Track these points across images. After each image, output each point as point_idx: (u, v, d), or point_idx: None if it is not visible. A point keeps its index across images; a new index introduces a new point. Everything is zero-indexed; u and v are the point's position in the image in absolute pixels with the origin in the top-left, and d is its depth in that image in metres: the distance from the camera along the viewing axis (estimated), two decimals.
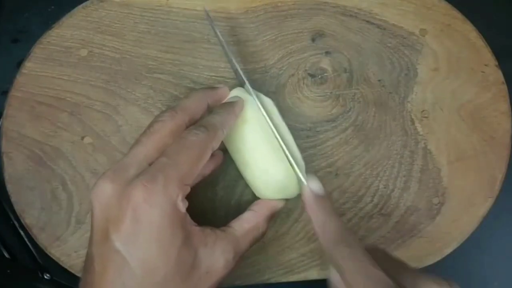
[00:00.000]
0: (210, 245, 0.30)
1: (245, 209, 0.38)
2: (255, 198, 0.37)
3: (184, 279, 0.29)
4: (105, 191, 0.29)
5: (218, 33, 0.36)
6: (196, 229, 0.30)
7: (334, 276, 0.30)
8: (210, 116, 0.33)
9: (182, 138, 0.31)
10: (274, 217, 0.36)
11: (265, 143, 0.35)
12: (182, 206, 0.29)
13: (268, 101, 0.37)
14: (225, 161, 0.39)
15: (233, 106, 0.34)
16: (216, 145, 0.32)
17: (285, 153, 0.34)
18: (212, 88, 0.36)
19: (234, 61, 0.36)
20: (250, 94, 0.36)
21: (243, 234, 0.33)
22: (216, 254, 0.31)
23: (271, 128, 0.34)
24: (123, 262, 0.27)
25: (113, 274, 0.27)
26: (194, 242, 0.30)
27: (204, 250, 0.30)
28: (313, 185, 0.33)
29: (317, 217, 0.31)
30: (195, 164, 0.30)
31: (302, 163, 0.36)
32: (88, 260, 0.29)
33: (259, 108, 0.35)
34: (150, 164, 0.30)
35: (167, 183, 0.28)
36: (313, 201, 0.32)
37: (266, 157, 0.35)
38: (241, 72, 0.36)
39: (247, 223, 0.34)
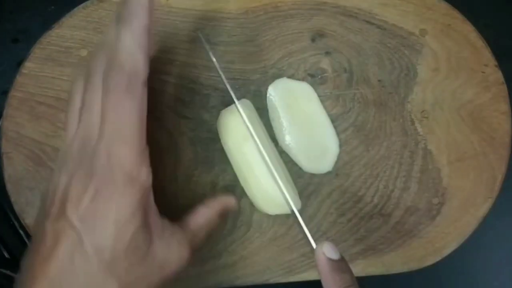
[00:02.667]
0: (166, 237, 0.30)
1: (244, 210, 0.38)
2: None
3: (133, 265, 0.28)
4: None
5: (212, 56, 0.37)
6: (156, 219, 0.30)
7: None
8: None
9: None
10: (227, 214, 0.36)
11: (264, 161, 0.36)
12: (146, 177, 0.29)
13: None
14: (225, 161, 0.39)
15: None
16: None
17: (278, 184, 0.35)
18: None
19: (225, 81, 0.37)
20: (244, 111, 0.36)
21: (198, 229, 0.33)
22: (172, 248, 0.30)
23: (263, 154, 0.35)
24: (76, 238, 0.27)
25: (64, 249, 0.27)
26: (152, 230, 0.29)
27: (160, 242, 0.30)
28: (327, 249, 0.30)
29: None
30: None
31: (294, 188, 0.38)
32: (38, 236, 0.28)
33: (260, 127, 0.36)
34: None
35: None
36: (329, 270, 0.29)
37: (265, 175, 0.36)
38: (233, 95, 0.37)
39: (201, 218, 0.34)
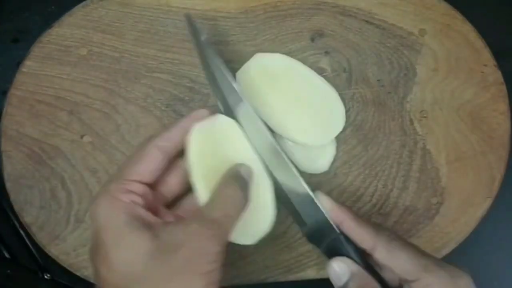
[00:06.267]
0: (187, 239, 0.29)
1: None
2: None
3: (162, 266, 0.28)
4: None
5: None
6: (159, 222, 0.31)
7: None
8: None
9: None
10: (246, 183, 0.33)
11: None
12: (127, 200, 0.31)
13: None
14: None
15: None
16: None
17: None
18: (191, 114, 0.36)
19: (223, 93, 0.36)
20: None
21: (223, 217, 0.31)
22: (199, 245, 0.29)
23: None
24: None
25: None
26: (162, 239, 0.29)
27: (187, 246, 0.28)
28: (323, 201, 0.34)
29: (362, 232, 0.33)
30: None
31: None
32: None
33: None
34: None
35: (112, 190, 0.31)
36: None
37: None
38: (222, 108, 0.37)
39: (222, 201, 0.32)
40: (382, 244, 0.32)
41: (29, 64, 0.40)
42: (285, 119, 0.38)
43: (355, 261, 0.32)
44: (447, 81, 0.41)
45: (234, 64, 0.40)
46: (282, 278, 0.39)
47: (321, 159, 0.40)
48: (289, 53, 0.41)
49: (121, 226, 0.29)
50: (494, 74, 0.41)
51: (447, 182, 0.40)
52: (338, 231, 0.33)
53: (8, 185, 0.39)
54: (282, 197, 0.35)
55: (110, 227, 0.30)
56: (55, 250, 0.39)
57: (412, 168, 0.40)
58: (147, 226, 0.30)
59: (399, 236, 0.33)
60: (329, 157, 0.40)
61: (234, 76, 0.39)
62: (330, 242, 0.34)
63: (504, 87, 0.41)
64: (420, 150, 0.41)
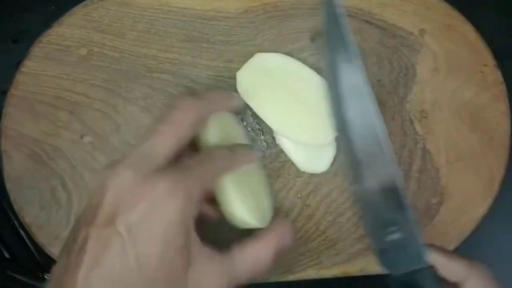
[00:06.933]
0: (204, 264, 0.29)
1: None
2: None
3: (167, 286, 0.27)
4: (125, 177, 0.28)
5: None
6: (197, 243, 0.29)
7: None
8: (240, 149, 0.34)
9: (212, 151, 0.32)
10: (281, 252, 0.32)
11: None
12: (195, 214, 0.29)
13: None
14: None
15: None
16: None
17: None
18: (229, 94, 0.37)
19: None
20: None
21: (242, 261, 0.30)
22: (207, 277, 0.29)
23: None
24: (121, 248, 0.26)
25: (106, 257, 0.26)
26: (192, 255, 0.28)
27: (195, 268, 0.28)
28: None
29: None
30: (215, 180, 0.31)
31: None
32: (78, 241, 0.27)
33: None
34: (171, 156, 0.30)
35: (191, 187, 0.28)
36: None
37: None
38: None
39: (250, 249, 0.31)
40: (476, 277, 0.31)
41: (29, 64, 0.40)
42: (285, 119, 0.39)
43: None
44: (447, 81, 0.41)
45: (234, 64, 0.40)
46: (282, 278, 0.39)
47: (321, 158, 0.40)
48: (289, 53, 0.41)
49: (196, 238, 0.29)
50: (494, 74, 0.41)
51: (447, 182, 0.40)
52: (427, 263, 0.31)
53: (8, 185, 0.39)
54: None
55: (185, 238, 0.28)
56: (54, 250, 0.39)
57: (412, 168, 0.40)
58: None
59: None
60: (330, 157, 0.40)
61: (235, 77, 0.39)
62: (413, 272, 0.31)
63: (504, 87, 0.41)
64: (420, 150, 0.41)
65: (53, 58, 0.40)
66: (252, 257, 0.31)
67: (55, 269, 0.28)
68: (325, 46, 0.34)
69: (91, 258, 0.26)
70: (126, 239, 0.27)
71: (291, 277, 0.40)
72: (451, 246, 0.40)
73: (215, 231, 0.32)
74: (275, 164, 0.40)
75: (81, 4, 0.41)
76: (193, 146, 0.34)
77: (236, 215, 0.33)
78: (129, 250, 0.26)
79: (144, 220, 0.27)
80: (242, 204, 0.33)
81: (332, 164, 0.40)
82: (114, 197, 0.28)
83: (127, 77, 0.41)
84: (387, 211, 0.32)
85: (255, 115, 0.40)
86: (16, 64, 0.41)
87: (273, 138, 0.40)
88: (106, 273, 0.26)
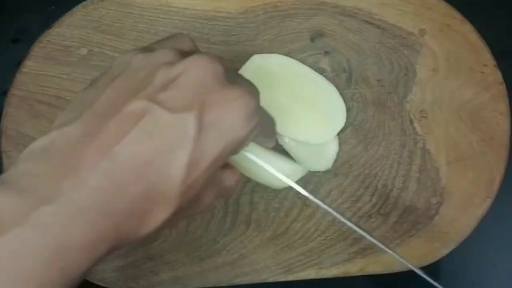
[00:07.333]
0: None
1: (243, 209, 0.38)
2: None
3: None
4: (219, 69, 0.25)
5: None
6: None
7: None
8: None
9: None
10: (225, 195, 0.29)
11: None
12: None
13: None
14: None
15: None
16: None
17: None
18: None
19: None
20: None
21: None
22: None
23: None
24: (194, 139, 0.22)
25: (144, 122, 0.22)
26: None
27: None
28: None
29: None
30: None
31: None
32: (126, 111, 0.22)
33: None
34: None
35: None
36: None
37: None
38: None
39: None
40: None
41: (29, 64, 0.40)
42: (286, 118, 0.39)
43: None
44: (447, 81, 0.41)
45: (234, 64, 0.40)
46: (282, 278, 0.40)
47: (323, 156, 0.40)
48: (289, 53, 0.41)
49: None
50: (494, 74, 0.41)
51: (447, 182, 0.40)
52: None
53: None
54: None
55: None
56: None
57: (412, 168, 0.40)
58: None
59: None
60: (332, 155, 0.40)
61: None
62: None
63: (504, 87, 0.41)
64: (420, 150, 0.41)
65: (53, 58, 0.40)
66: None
67: (59, 133, 0.23)
68: None
69: (147, 138, 0.22)
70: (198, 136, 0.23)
71: (291, 277, 0.40)
72: (451, 246, 0.40)
73: None
74: None
75: (81, 4, 0.41)
76: None
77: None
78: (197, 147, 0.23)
79: (216, 124, 0.23)
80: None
81: (333, 163, 0.40)
82: (199, 85, 0.24)
83: None
84: None
85: None
86: (16, 64, 0.41)
87: None
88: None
